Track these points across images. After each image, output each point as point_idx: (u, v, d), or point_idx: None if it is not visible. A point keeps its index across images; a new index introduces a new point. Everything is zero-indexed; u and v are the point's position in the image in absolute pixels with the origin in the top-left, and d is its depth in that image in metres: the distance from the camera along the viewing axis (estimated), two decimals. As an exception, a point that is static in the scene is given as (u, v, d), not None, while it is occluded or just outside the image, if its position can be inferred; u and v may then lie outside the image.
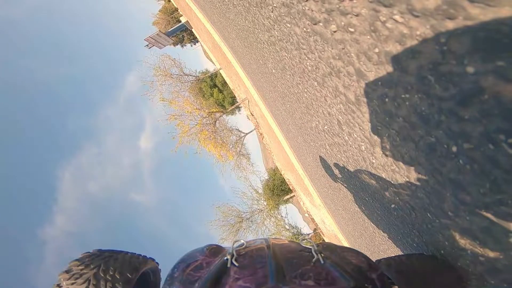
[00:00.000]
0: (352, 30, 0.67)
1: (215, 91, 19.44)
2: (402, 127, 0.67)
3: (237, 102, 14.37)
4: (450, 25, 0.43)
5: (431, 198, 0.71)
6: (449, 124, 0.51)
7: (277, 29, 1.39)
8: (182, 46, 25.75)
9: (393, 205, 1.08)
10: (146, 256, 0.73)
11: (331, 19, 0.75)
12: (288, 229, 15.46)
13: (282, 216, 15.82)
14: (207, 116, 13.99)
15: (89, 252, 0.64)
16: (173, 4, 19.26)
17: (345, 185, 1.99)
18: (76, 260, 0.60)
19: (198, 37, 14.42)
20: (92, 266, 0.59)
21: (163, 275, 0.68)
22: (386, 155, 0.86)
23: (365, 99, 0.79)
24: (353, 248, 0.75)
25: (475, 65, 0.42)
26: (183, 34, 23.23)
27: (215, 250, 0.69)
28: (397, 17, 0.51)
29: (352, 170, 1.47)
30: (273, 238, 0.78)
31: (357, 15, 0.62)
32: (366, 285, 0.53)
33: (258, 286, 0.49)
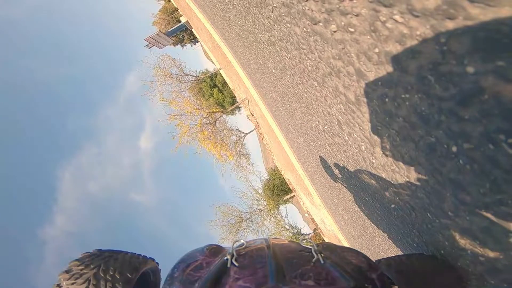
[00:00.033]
0: (352, 30, 0.67)
1: (215, 91, 19.44)
2: (402, 127, 0.67)
3: (237, 102, 14.38)
4: (450, 25, 0.43)
5: (431, 198, 0.71)
6: (449, 124, 0.51)
7: (277, 29, 1.39)
8: (182, 46, 25.75)
9: (393, 205, 1.08)
10: (146, 256, 0.73)
11: (331, 19, 0.75)
12: (288, 229, 15.46)
13: (282, 216, 15.83)
14: (207, 116, 13.99)
15: (89, 252, 0.64)
16: (173, 4, 19.26)
17: (345, 185, 1.99)
18: (76, 260, 0.60)
19: (198, 37, 14.42)
20: (92, 266, 0.59)
21: (163, 275, 0.68)
22: (386, 155, 0.86)
23: (365, 99, 0.79)
24: (353, 248, 0.75)
25: (475, 65, 0.42)
26: (183, 34, 23.23)
27: (215, 250, 0.69)
28: (397, 17, 0.51)
29: (352, 170, 1.47)
30: (273, 238, 0.78)
31: (357, 15, 0.62)
32: (366, 285, 0.53)
33: (258, 286, 0.49)
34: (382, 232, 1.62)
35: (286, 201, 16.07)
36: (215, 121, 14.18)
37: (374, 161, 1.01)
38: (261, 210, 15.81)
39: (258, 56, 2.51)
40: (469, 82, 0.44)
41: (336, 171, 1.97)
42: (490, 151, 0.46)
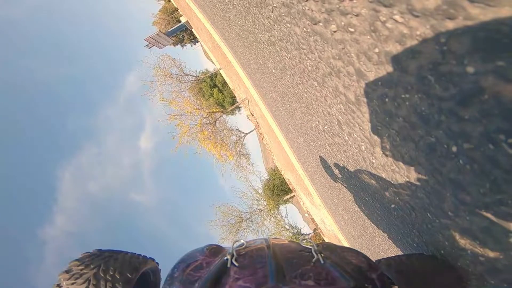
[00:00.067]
0: (352, 30, 0.67)
1: (215, 91, 19.44)
2: (402, 127, 0.67)
3: (237, 102, 14.38)
4: (450, 25, 0.43)
5: (431, 198, 0.71)
6: (449, 124, 0.51)
7: (277, 29, 1.39)
8: (182, 46, 25.75)
9: (393, 205, 1.08)
10: (146, 256, 0.73)
11: (331, 19, 0.75)
12: (288, 229, 15.46)
13: (282, 216, 15.83)
14: (207, 116, 13.99)
15: (89, 252, 0.64)
16: (173, 4, 19.26)
17: (345, 185, 1.99)
18: (76, 260, 0.60)
19: (198, 37, 14.42)
20: (92, 266, 0.59)
21: (163, 275, 0.68)
22: (386, 155, 0.86)
23: (365, 99, 0.79)
24: (353, 248, 0.75)
25: (475, 65, 0.42)
26: (183, 34, 23.23)
27: (215, 250, 0.69)
28: (397, 17, 0.51)
29: (352, 170, 1.47)
30: (273, 238, 0.78)
31: (357, 15, 0.62)
32: (366, 285, 0.53)
33: (258, 286, 0.49)
34: (382, 232, 1.62)
35: (286, 201, 16.07)
36: (215, 121, 14.18)
37: (374, 161, 1.01)
38: (261, 210, 15.81)
39: (258, 56, 2.51)
40: (469, 82, 0.44)
41: (336, 171, 1.97)
42: (490, 151, 0.46)
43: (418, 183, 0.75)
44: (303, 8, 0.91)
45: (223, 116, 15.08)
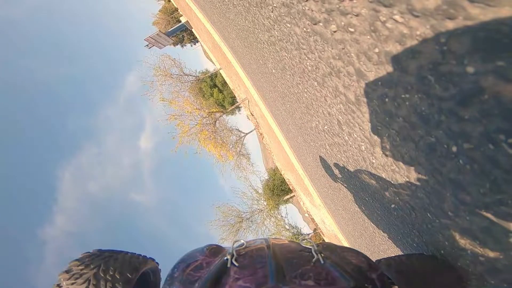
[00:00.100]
0: (352, 30, 0.67)
1: (215, 91, 19.44)
2: (402, 127, 0.67)
3: (237, 102, 14.38)
4: (450, 25, 0.43)
5: (431, 198, 0.71)
6: (449, 124, 0.51)
7: (277, 29, 1.39)
8: (182, 46, 25.75)
9: (393, 205, 1.08)
10: (146, 256, 0.73)
11: (331, 19, 0.75)
12: (288, 229, 15.46)
13: (282, 216, 15.83)
14: (207, 116, 13.99)
15: (89, 252, 0.64)
16: (173, 4, 19.26)
17: (345, 185, 1.99)
18: (76, 260, 0.60)
19: (198, 37, 14.42)
20: (92, 266, 0.59)
21: (163, 275, 0.68)
22: (386, 155, 0.86)
23: (365, 99, 0.79)
24: (353, 248, 0.75)
25: (475, 65, 0.42)
26: (183, 34, 23.23)
27: (215, 250, 0.69)
28: (397, 17, 0.51)
29: (352, 170, 1.47)
30: (273, 238, 0.78)
31: (357, 15, 0.62)
32: (366, 285, 0.53)
33: (258, 286, 0.49)
34: (382, 232, 1.62)
35: (286, 201, 16.07)
36: (215, 121, 14.18)
37: (374, 161, 1.01)
38: (261, 210, 15.81)
39: (258, 56, 2.51)
40: (469, 82, 0.44)
41: (336, 171, 1.97)
42: (490, 151, 0.46)
43: (418, 183, 0.75)
44: (303, 8, 0.91)
45: (223, 116, 15.08)
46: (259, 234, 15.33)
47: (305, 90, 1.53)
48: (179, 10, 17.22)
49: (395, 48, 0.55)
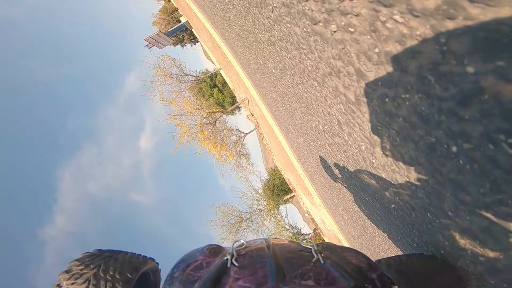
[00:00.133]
0: (352, 30, 0.67)
1: (215, 91, 19.44)
2: (402, 127, 0.67)
3: (237, 102, 14.38)
4: (450, 25, 0.43)
5: (431, 198, 0.71)
6: (449, 124, 0.51)
7: (277, 29, 1.39)
8: (182, 46, 25.75)
9: (393, 205, 1.08)
10: (146, 256, 0.73)
11: (331, 19, 0.75)
12: (288, 229, 15.46)
13: (282, 216, 15.83)
14: (207, 116, 13.99)
15: (89, 252, 0.64)
16: (173, 4, 19.26)
17: (345, 185, 1.99)
18: (76, 260, 0.60)
19: (198, 37, 14.42)
20: (92, 266, 0.59)
21: (163, 275, 0.68)
22: (386, 155, 0.86)
23: (365, 99, 0.79)
24: (353, 248, 0.75)
25: (475, 65, 0.42)
26: (183, 34, 23.23)
27: (215, 250, 0.69)
28: (397, 17, 0.51)
29: (352, 170, 1.47)
30: (273, 238, 0.78)
31: (357, 15, 0.62)
32: (366, 285, 0.53)
33: (258, 286, 0.49)
34: (382, 232, 1.62)
35: (286, 201, 16.07)
36: (215, 121, 14.18)
37: (374, 161, 1.01)
38: (261, 210, 15.81)
39: (258, 56, 2.51)
40: (469, 82, 0.44)
41: (336, 171, 1.97)
42: (490, 151, 0.46)
43: (418, 183, 0.75)
44: (303, 8, 0.91)
45: (223, 116, 15.08)
46: (259, 234, 15.34)
47: (305, 90, 1.53)
48: (179, 10, 17.22)
49: (395, 48, 0.55)
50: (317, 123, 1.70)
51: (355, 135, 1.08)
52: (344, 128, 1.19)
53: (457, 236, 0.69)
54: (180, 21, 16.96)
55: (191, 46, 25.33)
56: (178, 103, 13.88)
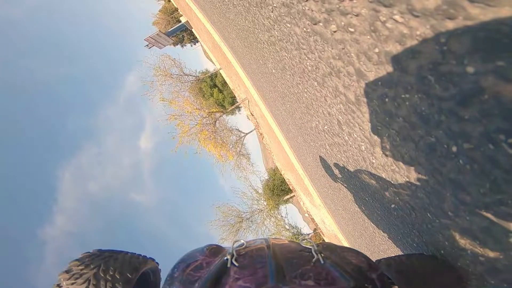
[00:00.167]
0: (352, 30, 0.67)
1: (215, 91, 19.44)
2: (402, 127, 0.67)
3: (237, 102, 14.38)
4: (450, 25, 0.43)
5: (431, 198, 0.71)
6: (449, 124, 0.51)
7: (277, 29, 1.39)
8: (182, 46, 25.75)
9: (393, 205, 1.08)
10: (146, 256, 0.73)
11: (331, 19, 0.75)
12: (288, 229, 15.46)
13: (282, 216, 15.83)
14: (207, 116, 13.99)
15: (89, 252, 0.64)
16: (173, 4, 19.26)
17: (345, 185, 1.99)
18: (76, 260, 0.60)
19: (198, 37, 14.42)
20: (92, 266, 0.59)
21: (163, 275, 0.68)
22: (386, 155, 0.86)
23: (365, 99, 0.79)
24: (353, 248, 0.75)
25: (475, 65, 0.42)
26: (183, 34, 23.23)
27: (215, 250, 0.69)
28: (397, 17, 0.51)
29: (352, 170, 1.47)
30: (273, 238, 0.78)
31: (357, 15, 0.62)
32: (366, 285, 0.53)
33: (258, 286, 0.49)
34: (382, 232, 1.62)
35: (286, 201, 16.07)
36: (215, 121, 14.18)
37: (374, 161, 1.01)
38: (261, 210, 15.81)
39: (258, 56, 2.51)
40: (469, 82, 0.44)
41: (336, 171, 1.97)
42: (490, 151, 0.46)
43: (418, 183, 0.75)
44: (303, 8, 0.91)
45: (223, 116, 15.08)
46: (259, 234, 15.34)
47: (305, 90, 1.53)
48: (179, 10, 17.22)
49: (395, 48, 0.55)
50: (317, 123, 1.70)
51: (355, 135, 1.08)
52: (344, 128, 1.19)
53: (457, 236, 0.69)
54: (180, 21, 16.96)
55: (191, 46, 25.33)
56: (178, 103, 13.88)
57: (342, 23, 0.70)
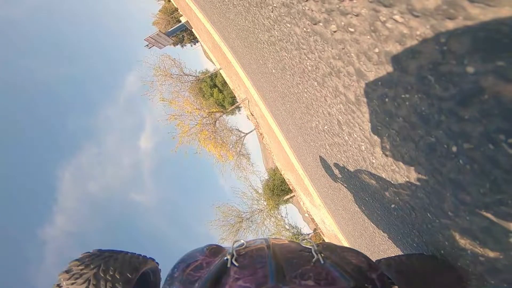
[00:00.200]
0: (352, 30, 0.67)
1: (215, 91, 19.44)
2: (402, 127, 0.67)
3: (237, 102, 14.38)
4: (450, 25, 0.43)
5: (431, 198, 0.71)
6: (449, 124, 0.51)
7: (277, 29, 1.39)
8: (182, 46, 25.75)
9: (393, 205, 1.08)
10: (146, 256, 0.73)
11: (331, 19, 0.75)
12: (288, 229, 15.45)
13: (282, 216, 15.83)
14: (207, 116, 13.99)
15: (89, 252, 0.64)
16: (173, 4, 19.26)
17: (345, 185, 1.99)
18: (76, 260, 0.60)
19: (198, 37, 14.42)
20: (92, 266, 0.59)
21: (163, 275, 0.68)
22: (386, 155, 0.86)
23: (365, 99, 0.79)
24: (353, 248, 0.75)
25: (475, 65, 0.42)
26: (183, 34, 23.23)
27: (215, 250, 0.69)
28: (397, 17, 0.51)
29: (352, 170, 1.47)
30: (273, 238, 0.78)
31: (357, 15, 0.62)
32: (366, 285, 0.53)
33: (258, 286, 0.49)
34: (382, 232, 1.62)
35: (286, 201, 16.07)
36: (215, 121, 14.18)
37: (374, 161, 1.01)
38: (261, 210, 15.81)
39: (258, 56, 2.51)
40: (469, 82, 0.44)
41: (336, 171, 1.97)
42: (490, 151, 0.46)
43: (418, 183, 0.75)
44: (303, 8, 0.91)
45: (223, 116, 15.08)
46: (259, 234, 15.34)
47: (305, 90, 1.53)
48: (179, 10, 17.22)
49: (395, 48, 0.55)
50: (317, 123, 1.70)
51: (355, 135, 1.08)
52: (344, 128, 1.19)
53: (457, 236, 0.69)
54: (180, 21, 16.96)
55: (191, 46, 25.33)
56: (178, 103, 13.88)
57: (342, 23, 0.70)
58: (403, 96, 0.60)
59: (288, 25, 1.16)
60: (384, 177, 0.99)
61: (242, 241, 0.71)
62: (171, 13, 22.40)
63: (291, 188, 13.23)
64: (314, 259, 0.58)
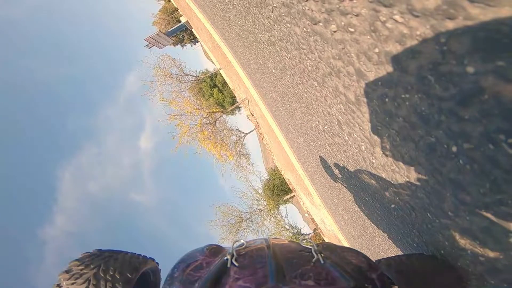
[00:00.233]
0: (352, 30, 0.67)
1: (215, 91, 19.44)
2: (402, 127, 0.67)
3: (237, 102, 14.38)
4: (450, 25, 0.43)
5: (431, 198, 0.71)
6: (449, 124, 0.51)
7: (277, 29, 1.39)
8: (182, 46, 25.75)
9: (393, 205, 1.08)
10: (146, 256, 0.73)
11: (331, 19, 0.75)
12: (288, 229, 15.45)
13: (282, 216, 15.83)
14: (207, 116, 13.99)
15: (89, 252, 0.64)
16: (173, 4, 19.26)
17: (345, 185, 1.99)
18: (76, 260, 0.60)
19: (198, 37, 14.42)
20: (92, 266, 0.59)
21: (163, 275, 0.68)
22: (386, 155, 0.86)
23: (365, 99, 0.79)
24: (353, 248, 0.75)
25: (475, 65, 0.42)
26: (183, 34, 23.23)
27: (215, 250, 0.69)
28: (397, 17, 0.51)
29: (352, 170, 1.47)
30: (273, 238, 0.78)
31: (357, 15, 0.62)
32: (366, 285, 0.53)
33: (258, 286, 0.49)
34: (382, 232, 1.62)
35: (286, 201, 16.07)
36: (215, 121, 14.18)
37: (374, 161, 1.01)
38: (261, 210, 15.81)
39: (258, 56, 2.51)
40: (469, 82, 0.44)
41: (336, 171, 1.97)
42: (490, 151, 0.46)
43: (418, 183, 0.75)
44: (303, 8, 0.91)
45: (223, 116, 15.08)
46: (259, 234, 15.34)
47: (305, 90, 1.53)
48: (179, 10, 17.22)
49: (395, 48, 0.55)
50: (317, 123, 1.70)
51: (355, 135, 1.08)
52: (344, 128, 1.19)
53: (457, 236, 0.69)
54: (180, 21, 16.96)
55: (191, 46, 25.33)
56: (178, 103, 13.89)
57: (342, 23, 0.70)
58: (403, 96, 0.60)
59: (288, 25, 1.16)
60: (384, 177, 0.99)
61: (242, 241, 0.71)
62: (171, 13, 22.40)
63: (291, 188, 13.23)
64: (314, 259, 0.58)
